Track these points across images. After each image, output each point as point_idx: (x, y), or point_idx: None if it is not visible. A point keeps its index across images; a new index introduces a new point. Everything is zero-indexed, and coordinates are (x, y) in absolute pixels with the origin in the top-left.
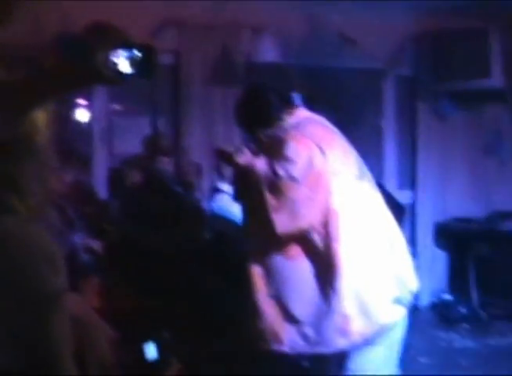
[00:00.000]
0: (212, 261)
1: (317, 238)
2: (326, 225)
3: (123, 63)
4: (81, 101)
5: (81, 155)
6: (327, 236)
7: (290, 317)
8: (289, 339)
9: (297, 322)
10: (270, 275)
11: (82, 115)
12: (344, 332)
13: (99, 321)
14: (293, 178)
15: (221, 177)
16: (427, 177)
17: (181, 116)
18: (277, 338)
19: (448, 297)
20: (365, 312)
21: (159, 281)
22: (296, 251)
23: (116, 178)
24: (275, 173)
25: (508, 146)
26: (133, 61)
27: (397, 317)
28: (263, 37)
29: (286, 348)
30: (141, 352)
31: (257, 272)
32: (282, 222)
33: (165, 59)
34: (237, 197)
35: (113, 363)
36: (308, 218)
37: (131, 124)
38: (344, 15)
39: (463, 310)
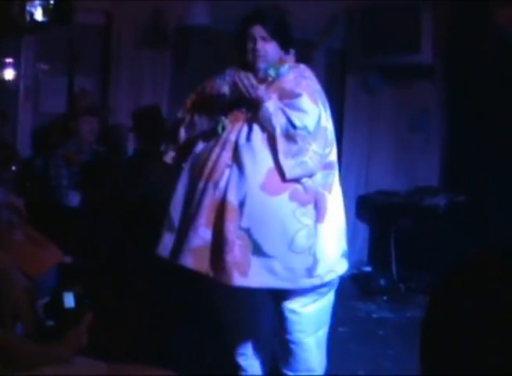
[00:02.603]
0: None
1: (309, 183)
2: (321, 175)
3: (38, 12)
4: (8, 59)
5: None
6: (320, 184)
7: (258, 250)
8: (254, 273)
9: (265, 256)
10: (245, 207)
11: (8, 73)
12: (310, 273)
13: (14, 270)
14: (307, 130)
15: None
16: (352, 150)
17: (110, 76)
18: (243, 272)
19: (368, 269)
20: (328, 258)
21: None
22: (282, 188)
23: (41, 136)
24: (290, 122)
25: (434, 123)
26: (48, 9)
27: (346, 268)
28: (195, 0)
29: (250, 282)
30: (59, 300)
31: (231, 204)
32: (291, 169)
33: (96, 18)
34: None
35: (27, 309)
36: (313, 168)
37: (59, 83)
38: None
39: (382, 282)
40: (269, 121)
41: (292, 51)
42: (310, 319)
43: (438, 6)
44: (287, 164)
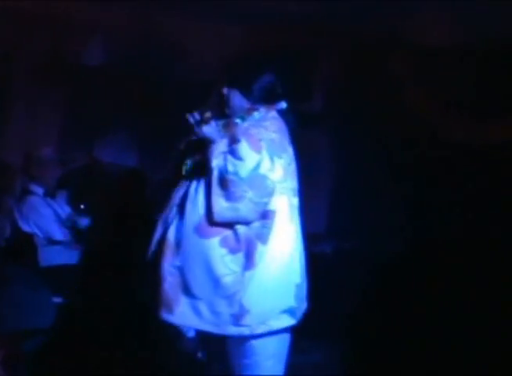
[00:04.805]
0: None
1: (243, 230)
2: (259, 224)
3: None
4: None
5: None
6: (256, 233)
7: (187, 291)
8: (180, 311)
9: (192, 296)
10: (181, 247)
11: None
12: (236, 321)
13: None
14: (238, 176)
15: (32, 178)
16: None
17: (4, 114)
18: (169, 308)
19: None
20: (261, 311)
21: None
22: (214, 232)
23: None
24: (225, 167)
25: (322, 170)
26: None
27: (285, 325)
28: (95, 39)
29: (175, 319)
30: None
31: (169, 241)
32: (220, 212)
33: None
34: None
35: None
36: (246, 215)
37: None
38: (181, 22)
39: None
40: (210, 162)
41: (262, 105)
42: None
43: (331, 53)
44: (217, 207)
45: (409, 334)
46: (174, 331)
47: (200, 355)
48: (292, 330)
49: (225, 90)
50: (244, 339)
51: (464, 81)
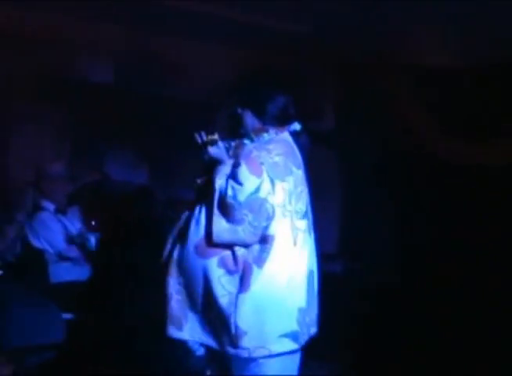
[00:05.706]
0: None
1: (242, 253)
2: (258, 248)
3: None
4: None
5: None
6: (253, 256)
7: (195, 306)
8: (189, 327)
9: (199, 311)
10: (182, 264)
11: None
12: (234, 343)
13: None
14: (236, 200)
15: (43, 194)
16: None
17: (6, 131)
18: (178, 325)
19: None
20: (258, 334)
21: None
22: (212, 252)
23: None
24: (226, 189)
25: (334, 190)
26: None
27: (287, 349)
28: (96, 57)
29: (185, 335)
30: None
31: (173, 259)
32: (219, 233)
33: None
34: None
35: None
36: (244, 238)
37: None
38: (179, 43)
39: None
40: (214, 183)
41: (274, 126)
42: None
43: (341, 74)
44: (216, 228)
45: (419, 355)
46: (184, 349)
47: (208, 373)
48: (301, 353)
49: (238, 110)
50: (248, 360)
51: (458, 102)
